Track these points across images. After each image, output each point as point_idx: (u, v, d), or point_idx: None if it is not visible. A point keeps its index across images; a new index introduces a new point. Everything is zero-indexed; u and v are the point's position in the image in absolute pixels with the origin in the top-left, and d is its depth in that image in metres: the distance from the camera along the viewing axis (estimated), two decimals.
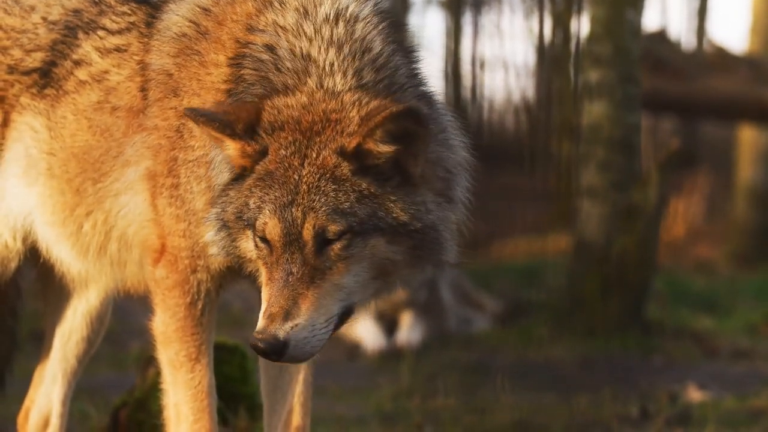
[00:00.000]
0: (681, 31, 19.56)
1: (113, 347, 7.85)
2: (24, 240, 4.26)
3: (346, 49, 3.67)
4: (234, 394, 5.34)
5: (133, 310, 7.63)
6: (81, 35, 4.15)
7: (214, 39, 3.87)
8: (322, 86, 3.63)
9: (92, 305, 4.60)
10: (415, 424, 6.12)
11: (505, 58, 15.22)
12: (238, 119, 3.60)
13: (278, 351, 3.49)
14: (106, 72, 4.07)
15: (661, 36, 12.09)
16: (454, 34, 16.00)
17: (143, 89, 3.98)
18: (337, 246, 3.51)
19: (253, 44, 3.75)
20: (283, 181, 3.54)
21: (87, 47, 4.12)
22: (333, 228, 3.50)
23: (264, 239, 3.57)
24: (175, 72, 3.91)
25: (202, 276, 3.91)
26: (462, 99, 15.01)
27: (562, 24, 14.01)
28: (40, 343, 4.68)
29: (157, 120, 3.89)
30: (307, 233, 3.51)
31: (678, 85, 11.70)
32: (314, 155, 3.55)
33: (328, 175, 3.52)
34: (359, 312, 3.73)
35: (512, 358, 8.05)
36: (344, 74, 3.64)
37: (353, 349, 8.80)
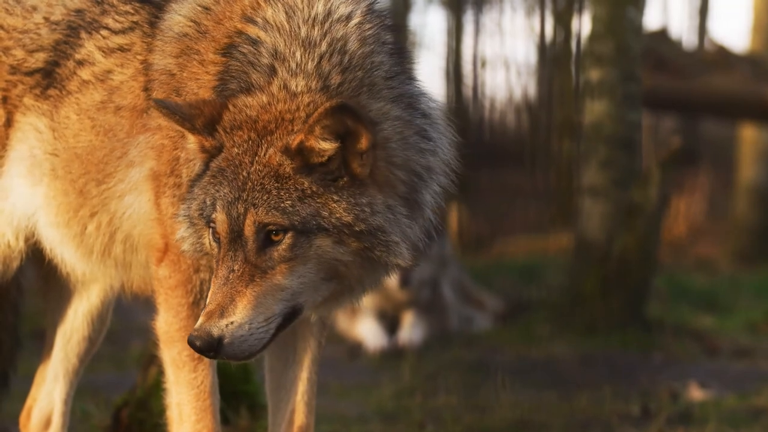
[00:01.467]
0: (682, 29, 19.54)
1: (114, 346, 7.84)
2: (27, 240, 4.26)
3: (316, 51, 3.66)
4: (235, 392, 5.34)
5: (134, 309, 7.62)
6: (84, 35, 4.15)
7: (212, 38, 3.88)
8: (285, 87, 3.63)
9: (93, 304, 4.60)
10: (417, 422, 6.12)
11: (506, 56, 15.23)
12: (200, 114, 3.63)
13: (212, 348, 3.50)
14: (110, 71, 4.07)
15: (662, 34, 12.08)
16: (456, 33, 15.98)
17: (146, 89, 3.98)
18: (281, 247, 3.51)
19: (244, 34, 3.76)
20: (232, 178, 3.57)
21: (90, 47, 4.12)
22: (273, 225, 3.51)
23: (216, 237, 3.59)
24: (177, 72, 3.92)
25: (204, 275, 3.91)
26: (463, 98, 15.00)
27: (563, 22, 14.02)
28: (41, 342, 4.68)
29: (160, 120, 3.89)
30: (248, 229, 3.52)
31: (679, 83, 11.70)
32: (262, 153, 3.57)
33: (272, 173, 3.54)
34: (310, 311, 3.71)
35: (513, 356, 8.04)
36: (307, 76, 3.63)
37: (355, 348, 8.79)
